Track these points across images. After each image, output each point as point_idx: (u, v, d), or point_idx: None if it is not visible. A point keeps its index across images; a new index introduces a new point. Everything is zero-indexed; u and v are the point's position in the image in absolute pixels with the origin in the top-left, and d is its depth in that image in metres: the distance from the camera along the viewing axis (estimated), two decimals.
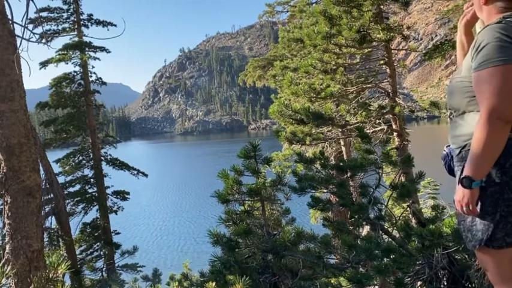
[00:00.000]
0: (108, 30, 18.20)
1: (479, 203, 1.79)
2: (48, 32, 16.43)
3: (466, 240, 1.90)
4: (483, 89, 1.69)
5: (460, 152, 1.90)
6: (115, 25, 18.19)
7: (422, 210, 8.71)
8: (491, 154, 1.70)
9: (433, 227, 3.66)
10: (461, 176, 1.78)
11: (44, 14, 16.92)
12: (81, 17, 17.64)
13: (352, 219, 4.44)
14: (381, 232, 4.24)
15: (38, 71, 17.28)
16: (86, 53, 17.17)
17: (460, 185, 1.79)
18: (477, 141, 1.70)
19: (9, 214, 3.33)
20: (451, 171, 2.03)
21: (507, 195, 1.73)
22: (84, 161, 17.82)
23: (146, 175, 19.20)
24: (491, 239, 1.77)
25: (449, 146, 2.02)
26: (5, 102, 3.25)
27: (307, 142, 8.61)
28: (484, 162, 1.72)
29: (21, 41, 3.38)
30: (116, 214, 18.17)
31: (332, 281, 4.11)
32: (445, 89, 2.07)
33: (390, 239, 4.31)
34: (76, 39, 17.36)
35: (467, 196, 1.77)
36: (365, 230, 5.20)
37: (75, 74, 17.73)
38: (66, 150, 18.00)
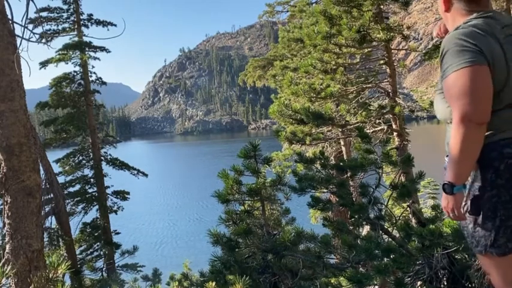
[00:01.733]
0: (108, 30, 18.24)
1: (480, 209, 1.78)
2: (48, 32, 16.43)
3: (471, 245, 1.89)
4: (451, 95, 1.70)
5: None
6: (115, 25, 18.22)
7: (422, 210, 8.71)
8: (469, 157, 1.69)
9: (433, 227, 3.66)
10: (443, 182, 1.78)
11: (44, 14, 16.93)
12: (81, 17, 17.65)
13: (352, 219, 4.44)
14: (381, 232, 4.24)
15: (38, 71, 17.27)
16: (86, 53, 17.16)
17: (443, 191, 1.79)
18: (453, 146, 1.69)
19: (9, 214, 3.32)
20: None
21: (505, 198, 1.72)
22: (84, 161, 17.82)
23: (146, 175, 19.21)
24: (494, 245, 1.76)
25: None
26: (5, 102, 3.25)
27: (307, 142, 8.61)
28: (463, 166, 1.71)
29: (21, 41, 3.38)
30: (116, 214, 18.17)
31: (332, 281, 4.11)
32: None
33: (390, 239, 4.31)
34: (76, 39, 17.36)
35: (451, 202, 1.77)
36: (365, 230, 5.20)
37: (75, 74, 17.73)
38: (66, 150, 18.00)
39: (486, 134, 1.71)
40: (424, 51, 9.53)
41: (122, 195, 18.29)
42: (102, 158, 18.04)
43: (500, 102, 1.71)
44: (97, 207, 17.40)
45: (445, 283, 3.43)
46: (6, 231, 3.36)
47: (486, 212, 1.76)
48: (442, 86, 1.84)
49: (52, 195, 11.68)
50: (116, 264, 15.97)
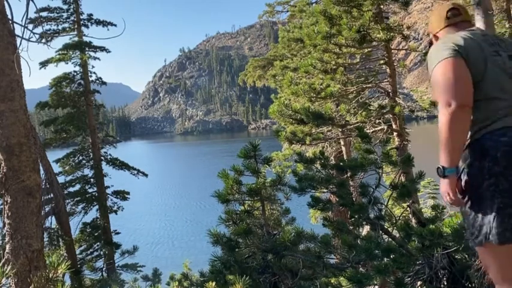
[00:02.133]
0: (108, 30, 18.22)
1: (479, 198, 1.83)
2: (48, 32, 16.43)
3: (472, 237, 1.92)
4: (435, 88, 1.88)
5: None
6: (115, 25, 18.21)
7: (422, 210, 8.71)
8: (456, 139, 1.80)
9: (433, 227, 3.66)
10: (437, 167, 1.88)
11: (44, 13, 16.93)
12: (81, 17, 17.64)
13: (352, 219, 4.44)
14: (381, 232, 4.24)
15: (38, 71, 17.27)
16: (86, 52, 17.15)
17: (438, 176, 1.89)
18: (441, 130, 1.81)
19: (9, 214, 3.32)
20: None
21: (502, 186, 1.76)
22: (84, 161, 17.81)
23: (146, 175, 19.20)
24: (494, 233, 1.79)
25: None
26: (5, 102, 3.25)
27: (307, 142, 8.61)
28: (451, 149, 1.81)
29: (21, 41, 3.37)
30: (116, 214, 18.17)
31: (332, 281, 4.11)
32: None
33: (390, 239, 4.31)
34: (76, 39, 17.36)
35: (445, 185, 1.86)
36: (365, 230, 5.20)
37: (75, 73, 17.72)
38: (66, 150, 17.99)
39: (480, 125, 1.84)
40: (424, 51, 9.52)
41: (122, 195, 18.28)
42: (102, 158, 18.03)
43: (483, 93, 1.85)
44: (97, 207, 17.39)
45: (445, 283, 3.43)
46: (6, 231, 3.36)
47: (485, 200, 1.80)
48: None
49: (52, 195, 11.68)
50: (116, 264, 15.96)
